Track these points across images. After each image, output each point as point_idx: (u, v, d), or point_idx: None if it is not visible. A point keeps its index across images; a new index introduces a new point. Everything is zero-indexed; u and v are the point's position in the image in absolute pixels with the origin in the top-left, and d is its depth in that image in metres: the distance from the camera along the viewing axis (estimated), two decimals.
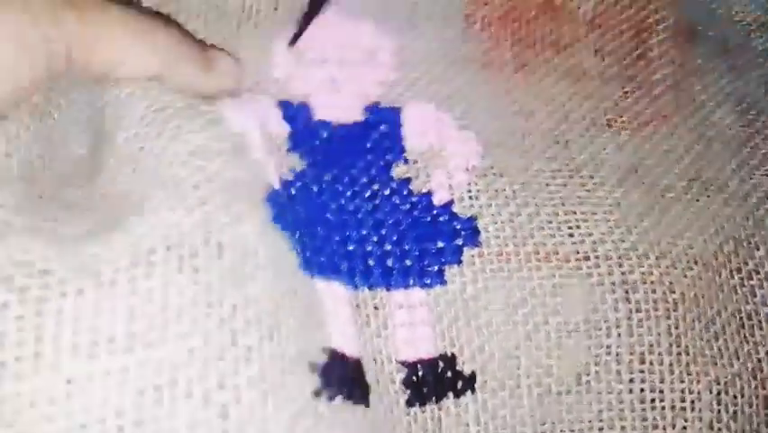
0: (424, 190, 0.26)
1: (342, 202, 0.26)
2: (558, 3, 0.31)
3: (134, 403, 0.19)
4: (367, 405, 0.23)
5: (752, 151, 0.31)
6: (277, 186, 0.24)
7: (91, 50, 0.21)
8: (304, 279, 0.23)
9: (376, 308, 0.25)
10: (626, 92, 0.30)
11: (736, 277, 0.29)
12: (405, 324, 0.25)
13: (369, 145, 0.27)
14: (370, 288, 0.25)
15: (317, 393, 0.21)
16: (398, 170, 0.27)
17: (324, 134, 0.26)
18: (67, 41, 0.21)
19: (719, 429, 0.26)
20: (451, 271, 0.26)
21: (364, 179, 0.26)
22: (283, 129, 0.26)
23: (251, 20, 0.27)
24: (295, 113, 0.26)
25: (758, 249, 0.29)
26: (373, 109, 0.27)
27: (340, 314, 0.24)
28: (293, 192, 0.25)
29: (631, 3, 0.32)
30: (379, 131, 0.27)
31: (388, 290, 0.25)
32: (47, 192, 0.22)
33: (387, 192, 0.26)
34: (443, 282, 0.25)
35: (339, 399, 0.22)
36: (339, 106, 0.27)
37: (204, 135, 0.22)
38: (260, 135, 0.24)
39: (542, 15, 0.30)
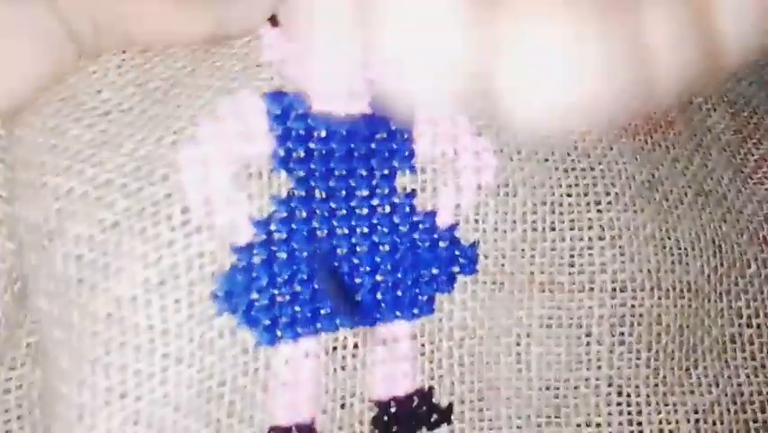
0: (428, 208, 0.24)
1: (335, 224, 0.23)
2: None
3: None
4: None
5: (745, 157, 0.30)
6: (243, 239, 0.21)
7: (123, 19, 0.19)
8: (249, 364, 0.21)
9: (356, 346, 0.23)
10: None
11: (724, 299, 0.28)
12: (385, 360, 0.23)
13: (373, 146, 0.23)
14: (352, 327, 0.23)
15: None
16: (403, 181, 0.23)
17: (323, 132, 0.22)
18: (91, 16, 0.19)
19: None
20: (440, 299, 0.24)
21: (364, 192, 0.23)
22: (267, 145, 0.22)
23: None
24: (287, 106, 0.22)
25: (749, 267, 0.28)
26: None
27: (298, 378, 0.22)
28: (272, 230, 0.22)
29: None
30: (388, 128, 0.23)
31: (372, 325, 0.23)
32: None
33: (387, 209, 0.23)
34: (432, 311, 0.24)
35: None
36: (342, 95, 0.23)
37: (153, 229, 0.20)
38: (229, 175, 0.21)
39: None
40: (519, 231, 0.25)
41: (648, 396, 0.26)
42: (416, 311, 0.23)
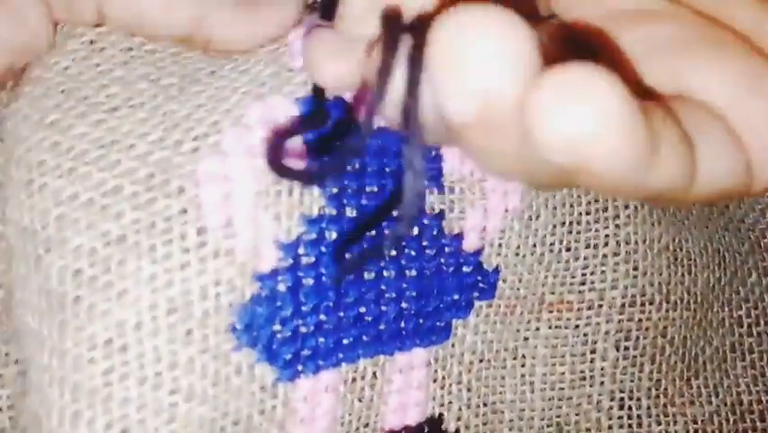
0: (455, 231, 0.22)
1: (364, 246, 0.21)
2: None
3: None
4: None
5: None
6: (267, 265, 0.19)
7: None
8: (266, 402, 0.20)
9: (375, 376, 0.21)
10: None
11: (726, 309, 0.27)
12: (400, 390, 0.22)
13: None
14: (372, 357, 0.21)
15: None
16: (432, 200, 0.21)
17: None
18: None
19: None
20: (455, 324, 0.23)
21: (394, 211, 0.21)
22: (298, 162, 0.19)
23: None
24: (324, 113, 0.20)
25: (750, 275, 0.28)
26: None
27: (315, 414, 0.20)
28: (300, 254, 0.19)
29: None
30: None
31: (391, 355, 0.22)
32: None
33: (415, 230, 0.21)
34: (449, 337, 0.23)
35: None
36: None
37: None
38: (254, 193, 0.19)
39: None
40: (538, 254, 0.23)
41: (649, 408, 0.26)
42: (433, 338, 0.22)
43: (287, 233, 0.19)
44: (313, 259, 0.19)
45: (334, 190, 0.20)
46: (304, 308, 0.20)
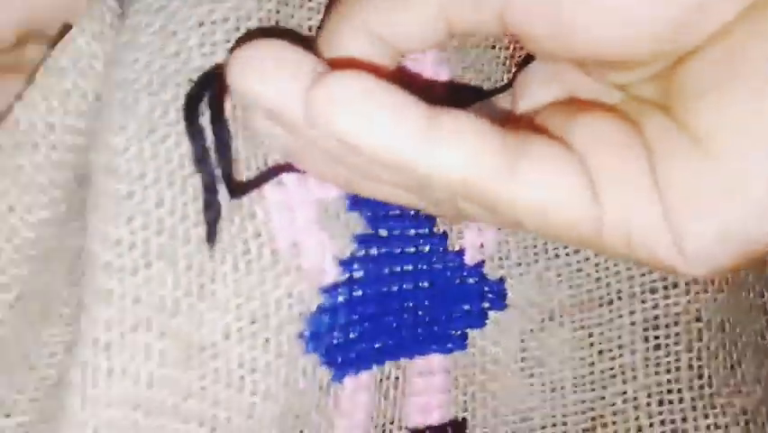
0: (457, 248, 0.23)
1: (393, 263, 0.22)
2: None
3: None
4: None
5: None
6: (329, 279, 0.21)
7: None
8: (322, 400, 0.22)
9: (397, 378, 0.23)
10: None
11: (754, 291, 0.26)
12: (421, 391, 0.24)
13: None
14: (395, 359, 0.23)
15: None
16: (438, 222, 0.23)
17: None
18: None
19: None
20: (472, 335, 0.24)
21: (411, 231, 0.23)
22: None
23: None
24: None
25: None
26: None
27: (354, 411, 0.22)
28: (354, 269, 0.22)
29: None
30: None
31: (411, 358, 0.23)
32: None
33: (427, 249, 0.23)
34: (465, 346, 0.24)
35: None
36: None
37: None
38: (313, 218, 0.21)
39: None
40: (542, 262, 0.24)
41: (693, 399, 0.24)
42: (450, 346, 0.24)
43: (342, 250, 0.21)
44: (362, 273, 0.22)
45: (369, 213, 0.22)
46: (353, 318, 0.22)
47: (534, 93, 0.20)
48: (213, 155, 0.19)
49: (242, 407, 0.20)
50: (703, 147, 0.16)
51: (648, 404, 0.24)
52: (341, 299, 0.21)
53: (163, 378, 0.19)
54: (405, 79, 0.21)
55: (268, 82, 0.16)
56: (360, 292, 0.22)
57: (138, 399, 0.19)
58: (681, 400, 0.24)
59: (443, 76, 0.23)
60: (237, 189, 0.20)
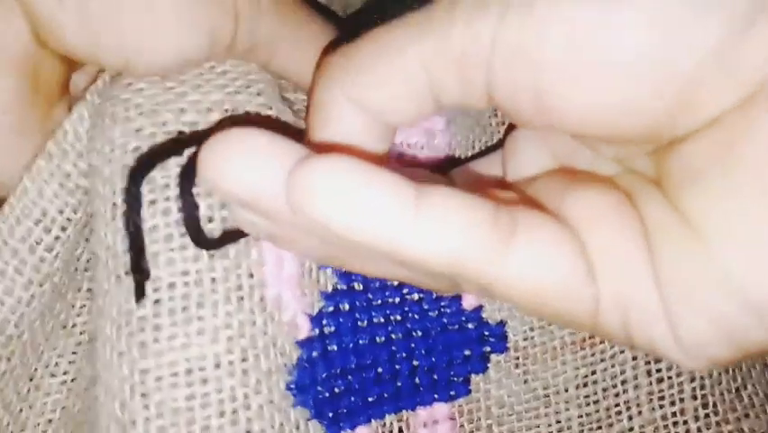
0: (452, 294, 0.23)
1: (373, 315, 0.22)
2: None
3: None
4: None
5: None
6: (303, 334, 0.21)
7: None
8: None
9: (400, 430, 0.23)
10: None
11: None
12: None
13: None
14: (396, 412, 0.23)
15: None
16: None
17: None
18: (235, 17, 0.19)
19: None
20: (476, 379, 0.24)
21: (395, 282, 0.23)
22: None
23: None
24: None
25: None
26: None
27: None
28: (323, 324, 0.22)
29: None
30: None
31: (413, 409, 0.23)
32: None
33: (416, 297, 0.23)
34: (469, 392, 0.24)
35: None
36: None
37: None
38: (298, 267, 0.21)
39: None
40: None
41: (700, 429, 0.24)
42: (452, 393, 0.23)
43: (311, 306, 0.21)
44: (333, 329, 0.22)
45: (341, 270, 0.22)
46: (333, 372, 0.22)
47: (524, 159, 0.20)
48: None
49: None
50: (696, 235, 0.15)
51: None
52: (315, 353, 0.21)
53: (143, 394, 0.20)
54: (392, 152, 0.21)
55: (241, 175, 0.16)
56: (334, 347, 0.22)
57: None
58: (687, 431, 0.25)
59: (438, 125, 0.23)
60: (208, 243, 0.20)
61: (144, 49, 0.19)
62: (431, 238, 0.15)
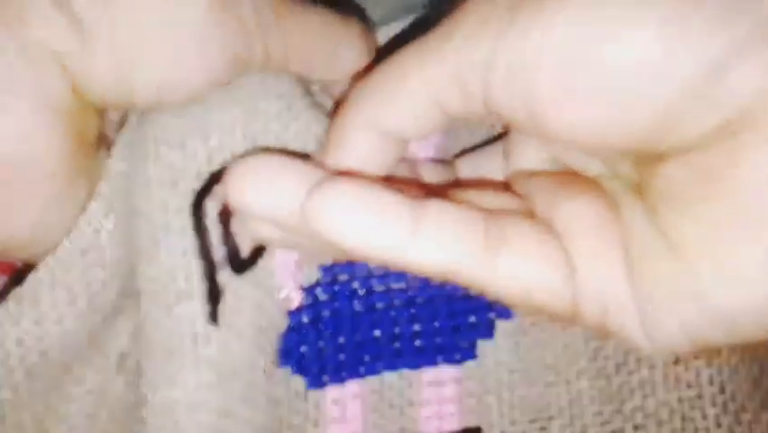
0: None
1: (373, 284, 0.24)
2: None
3: None
4: None
5: None
6: (293, 307, 0.23)
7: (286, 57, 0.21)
8: (300, 405, 0.24)
9: (401, 387, 0.25)
10: None
11: None
12: (431, 401, 0.25)
13: None
14: (394, 370, 0.24)
15: None
16: None
17: None
18: (264, 34, 0.21)
19: None
20: (483, 345, 0.25)
21: None
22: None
23: None
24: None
25: None
26: None
27: (346, 414, 0.24)
28: (317, 294, 0.24)
29: None
30: None
31: (414, 368, 0.25)
32: None
33: None
34: (474, 356, 0.25)
35: None
36: None
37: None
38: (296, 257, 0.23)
39: None
40: None
41: (718, 416, 0.25)
42: (457, 357, 0.24)
43: (308, 279, 0.24)
44: (326, 297, 0.24)
45: None
46: (325, 334, 0.24)
47: (525, 153, 0.22)
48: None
49: (239, 417, 0.22)
50: (674, 251, 0.17)
51: (671, 420, 0.24)
52: (305, 319, 0.24)
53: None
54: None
55: (264, 195, 0.19)
56: (327, 313, 0.24)
57: None
58: (704, 417, 0.24)
59: None
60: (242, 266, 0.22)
61: (174, 80, 0.20)
62: (428, 251, 0.18)
